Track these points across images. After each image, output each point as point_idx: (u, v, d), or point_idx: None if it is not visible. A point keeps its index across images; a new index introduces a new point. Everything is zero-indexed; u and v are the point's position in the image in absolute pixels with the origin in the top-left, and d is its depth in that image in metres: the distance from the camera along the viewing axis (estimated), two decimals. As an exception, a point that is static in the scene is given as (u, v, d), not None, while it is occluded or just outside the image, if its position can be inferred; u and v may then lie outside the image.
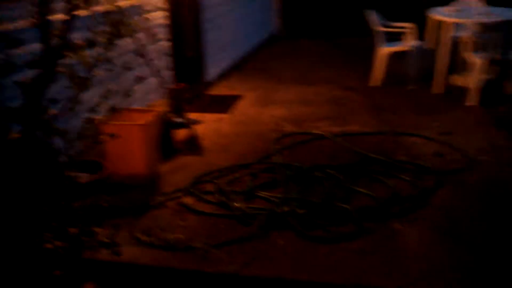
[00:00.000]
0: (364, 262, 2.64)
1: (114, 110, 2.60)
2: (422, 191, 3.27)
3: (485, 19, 5.22)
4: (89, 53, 2.30)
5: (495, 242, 2.74)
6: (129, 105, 3.72)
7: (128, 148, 3.57)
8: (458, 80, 5.54)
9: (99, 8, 2.62)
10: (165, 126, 4.13)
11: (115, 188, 3.36)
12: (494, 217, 2.98)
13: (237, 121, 4.88)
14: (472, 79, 5.04)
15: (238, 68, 6.89)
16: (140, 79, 4.26)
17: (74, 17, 2.19)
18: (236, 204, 3.18)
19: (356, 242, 2.81)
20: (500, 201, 3.14)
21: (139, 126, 3.61)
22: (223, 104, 5.41)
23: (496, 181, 3.39)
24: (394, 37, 5.72)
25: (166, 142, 4.11)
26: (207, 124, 4.82)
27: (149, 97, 4.60)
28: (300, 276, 2.58)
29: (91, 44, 2.27)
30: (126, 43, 3.93)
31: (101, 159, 3.45)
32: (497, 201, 3.15)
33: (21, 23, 2.71)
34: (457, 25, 5.45)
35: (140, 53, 4.24)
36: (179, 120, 4.50)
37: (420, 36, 5.91)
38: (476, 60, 5.06)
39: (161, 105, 4.54)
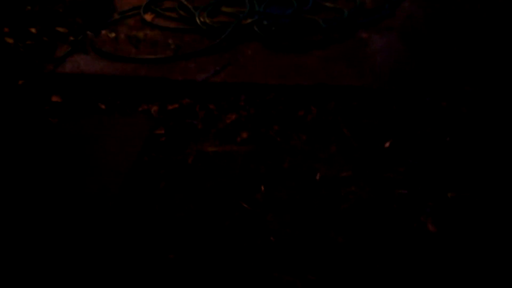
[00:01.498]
0: (332, 67, 2.67)
1: None
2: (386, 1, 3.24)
3: None
4: None
5: (448, 44, 2.83)
6: None
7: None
8: None
9: None
10: None
11: (67, 5, 3.14)
12: (451, 23, 3.04)
13: None
14: None
15: None
16: None
17: None
18: (201, 19, 3.06)
19: (325, 51, 2.81)
20: (456, 10, 3.19)
21: None
22: None
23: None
24: None
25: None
26: None
27: None
28: (270, 81, 2.60)
29: None
30: None
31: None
32: (453, 9, 3.18)
33: None
34: None
35: None
36: None
37: None
38: None
39: None
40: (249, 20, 3.01)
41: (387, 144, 2.21)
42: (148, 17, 3.17)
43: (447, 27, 2.97)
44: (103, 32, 3.00)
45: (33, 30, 2.16)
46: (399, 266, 1.72)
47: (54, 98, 2.58)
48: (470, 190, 1.95)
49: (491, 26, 2.98)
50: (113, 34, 2.98)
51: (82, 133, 2.40)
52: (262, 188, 2.05)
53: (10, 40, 2.09)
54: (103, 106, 2.55)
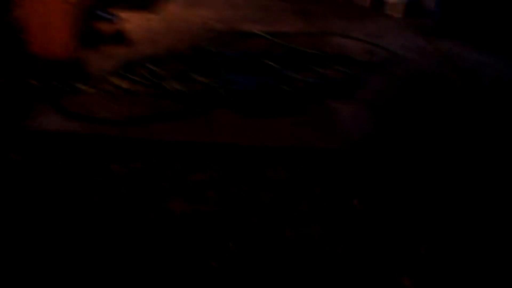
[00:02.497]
0: (301, 131, 2.73)
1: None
2: (355, 76, 3.39)
3: None
4: None
5: (414, 114, 3.01)
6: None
7: (50, 26, 3.30)
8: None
9: None
10: (90, 15, 3.88)
11: (41, 67, 3.15)
12: (415, 95, 3.25)
13: (167, 20, 4.71)
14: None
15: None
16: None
17: None
18: (170, 84, 3.10)
19: (295, 118, 2.87)
20: (420, 85, 3.40)
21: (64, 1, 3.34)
22: (151, 5, 5.19)
23: (418, 71, 3.63)
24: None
25: (92, 32, 3.88)
26: (135, 23, 4.61)
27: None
28: (239, 142, 2.61)
29: None
30: None
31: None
32: (418, 85, 3.40)
33: None
34: None
35: None
36: (104, 14, 4.24)
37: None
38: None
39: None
40: (220, 88, 3.07)
41: (355, 202, 2.20)
42: (121, 83, 3.19)
43: (411, 101, 3.13)
44: (72, 94, 2.99)
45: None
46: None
47: (12, 155, 2.49)
48: (442, 243, 1.94)
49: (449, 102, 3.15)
50: (82, 96, 2.97)
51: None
52: (231, 246, 1.97)
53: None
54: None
